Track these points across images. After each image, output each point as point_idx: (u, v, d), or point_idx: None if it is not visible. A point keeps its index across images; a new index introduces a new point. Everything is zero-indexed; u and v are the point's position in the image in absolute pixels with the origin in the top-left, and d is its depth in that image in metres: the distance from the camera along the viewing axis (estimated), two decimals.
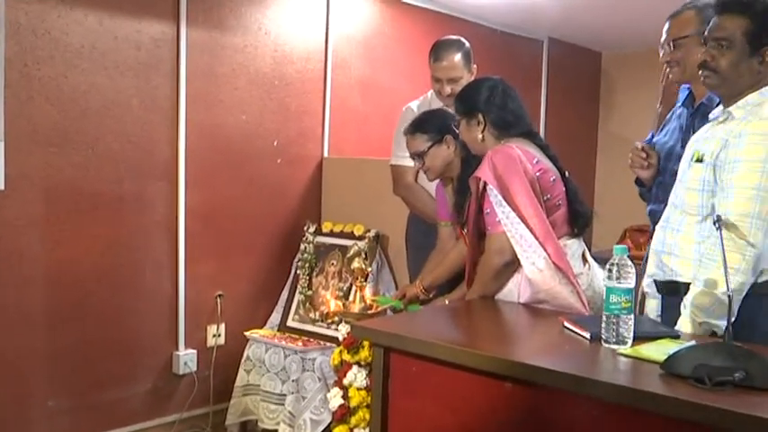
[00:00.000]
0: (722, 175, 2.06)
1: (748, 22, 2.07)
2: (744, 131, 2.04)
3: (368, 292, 3.00)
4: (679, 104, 2.79)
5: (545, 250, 2.34)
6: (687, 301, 2.07)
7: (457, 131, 2.73)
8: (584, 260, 2.56)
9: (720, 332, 2.01)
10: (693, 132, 2.63)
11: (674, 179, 2.67)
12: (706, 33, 2.17)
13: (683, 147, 2.67)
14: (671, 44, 2.62)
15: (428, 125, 2.89)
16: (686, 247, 2.14)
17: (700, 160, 2.12)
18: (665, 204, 2.68)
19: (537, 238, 2.35)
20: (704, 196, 2.09)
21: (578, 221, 2.58)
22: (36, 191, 3.11)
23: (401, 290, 3.01)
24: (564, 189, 2.55)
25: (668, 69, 2.67)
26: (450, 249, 2.92)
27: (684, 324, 2.07)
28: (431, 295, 2.90)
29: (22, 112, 3.04)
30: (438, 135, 2.85)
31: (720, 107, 2.19)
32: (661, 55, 2.68)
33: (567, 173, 2.60)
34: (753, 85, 2.10)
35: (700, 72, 2.18)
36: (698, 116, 2.65)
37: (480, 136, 2.59)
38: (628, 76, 5.68)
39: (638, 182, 2.80)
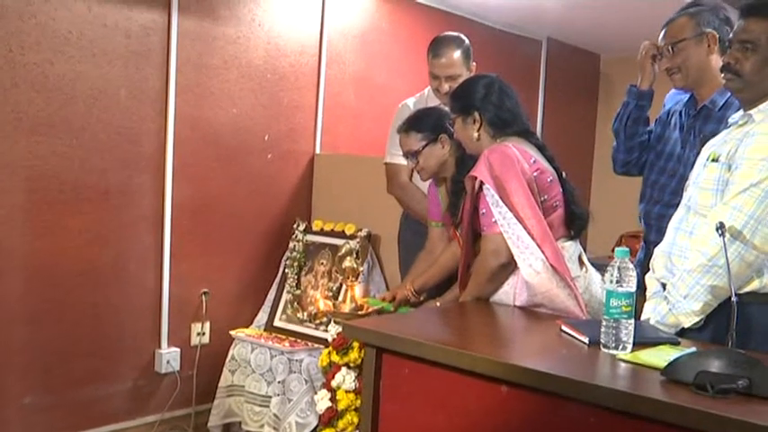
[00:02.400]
0: (732, 172, 2.02)
1: None
2: (756, 131, 2.01)
3: (358, 291, 2.92)
4: (680, 106, 2.77)
5: (542, 252, 2.28)
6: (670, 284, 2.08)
7: (452, 130, 2.67)
8: (581, 263, 2.50)
9: (687, 324, 2.03)
10: (695, 135, 2.60)
11: (671, 180, 2.65)
12: (731, 36, 2.13)
13: (683, 147, 2.65)
14: (670, 49, 2.62)
15: (423, 123, 2.83)
16: None
17: (716, 160, 2.08)
18: (660, 205, 2.65)
19: (534, 240, 2.29)
20: (718, 196, 2.05)
21: (575, 223, 2.52)
22: (18, 180, 3.02)
23: (391, 291, 2.94)
24: (561, 190, 2.50)
25: (669, 77, 2.66)
26: (443, 250, 2.86)
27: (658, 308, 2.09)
28: (422, 298, 2.83)
29: (7, 99, 2.96)
30: (433, 134, 2.79)
31: (740, 111, 2.15)
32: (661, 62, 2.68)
33: (564, 173, 2.55)
34: None
35: (722, 75, 2.14)
36: (700, 119, 2.64)
37: (476, 134, 2.53)
38: (626, 79, 5.59)
39: (631, 94, 2.84)
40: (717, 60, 2.60)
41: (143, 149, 3.39)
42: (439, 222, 2.94)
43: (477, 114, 2.52)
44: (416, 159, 2.82)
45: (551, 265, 2.28)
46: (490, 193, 2.34)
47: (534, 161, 2.42)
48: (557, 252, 2.32)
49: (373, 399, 2.01)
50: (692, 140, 2.65)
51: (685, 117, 2.72)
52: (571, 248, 2.47)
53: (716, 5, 2.88)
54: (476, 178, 2.40)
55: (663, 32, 2.68)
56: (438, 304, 2.70)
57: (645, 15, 2.77)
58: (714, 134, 2.51)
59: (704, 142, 2.51)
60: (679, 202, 2.53)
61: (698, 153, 2.52)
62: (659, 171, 2.76)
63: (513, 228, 2.30)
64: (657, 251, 2.24)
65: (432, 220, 2.98)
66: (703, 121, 2.63)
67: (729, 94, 2.57)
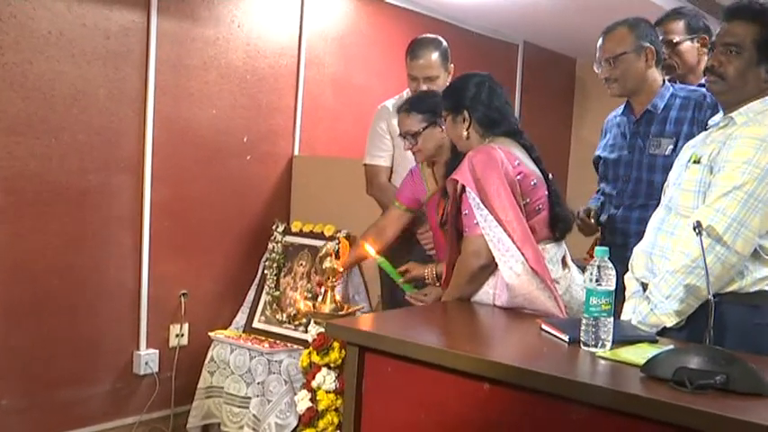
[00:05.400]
0: (714, 175, 2.05)
1: (759, 30, 2.06)
2: (739, 134, 2.04)
3: (338, 293, 2.93)
4: (617, 115, 2.84)
5: (523, 255, 2.30)
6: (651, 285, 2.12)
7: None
8: (564, 264, 2.52)
9: (669, 324, 2.06)
10: (642, 138, 2.66)
11: (627, 184, 2.73)
12: (714, 38, 2.17)
13: (631, 152, 2.72)
14: (610, 61, 2.68)
15: (425, 105, 2.84)
16: None
17: (697, 162, 2.12)
18: (622, 209, 2.71)
19: (515, 243, 2.30)
20: (699, 198, 2.08)
21: (558, 226, 2.53)
22: None
23: (406, 266, 2.88)
24: (546, 193, 2.51)
25: (606, 85, 2.73)
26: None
27: (639, 308, 2.12)
28: (437, 284, 2.78)
29: None
30: (433, 117, 2.80)
31: (720, 114, 2.19)
32: (598, 72, 2.75)
33: (550, 175, 2.56)
34: (756, 94, 2.09)
35: (705, 77, 2.18)
36: (643, 123, 2.73)
37: (465, 133, 2.54)
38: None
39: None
40: (654, 72, 2.71)
41: (122, 150, 3.37)
42: (403, 205, 2.94)
43: (466, 113, 2.53)
44: (415, 141, 2.82)
45: (531, 268, 2.30)
46: (471, 196, 2.36)
47: (518, 164, 2.43)
48: (537, 255, 2.33)
49: (356, 397, 2.02)
50: (639, 144, 2.73)
51: (626, 124, 2.80)
52: (552, 250, 2.48)
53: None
54: (457, 181, 2.42)
55: (601, 41, 2.73)
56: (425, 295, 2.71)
57: (619, 19, 2.81)
58: (661, 133, 2.64)
59: (654, 142, 2.62)
60: (639, 204, 2.61)
61: (649, 154, 2.63)
62: (613, 179, 2.83)
63: (493, 230, 2.31)
64: (637, 251, 2.27)
65: (397, 201, 2.97)
66: (647, 124, 2.72)
67: (667, 98, 2.69)
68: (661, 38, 2.80)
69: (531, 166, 2.49)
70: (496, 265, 2.34)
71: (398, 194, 3.00)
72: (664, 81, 2.75)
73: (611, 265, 1.84)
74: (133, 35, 3.36)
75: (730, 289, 2.02)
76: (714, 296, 1.95)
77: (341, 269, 2.80)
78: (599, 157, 2.92)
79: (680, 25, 2.95)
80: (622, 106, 2.84)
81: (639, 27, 2.69)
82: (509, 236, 2.30)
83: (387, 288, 3.31)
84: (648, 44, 2.67)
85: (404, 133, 2.86)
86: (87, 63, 3.21)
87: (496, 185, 2.34)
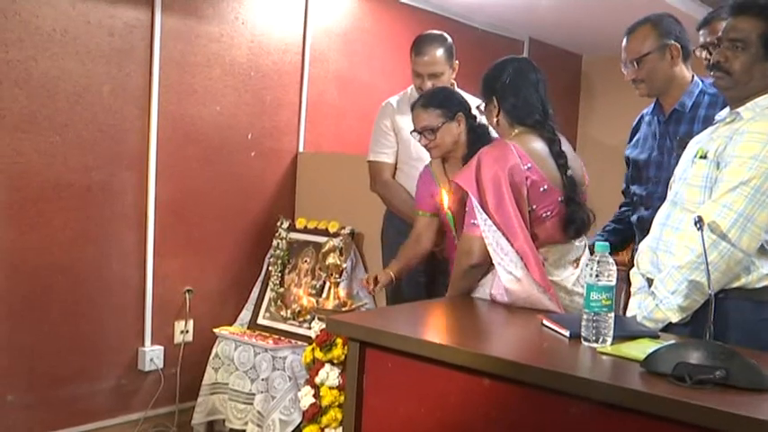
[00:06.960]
0: (721, 170, 2.04)
1: (765, 25, 2.04)
2: (746, 129, 2.03)
3: (341, 289, 2.92)
4: (647, 113, 2.80)
5: (523, 261, 2.27)
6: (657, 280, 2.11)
7: (466, 108, 2.73)
8: (577, 265, 2.48)
9: (675, 319, 2.05)
10: (670, 139, 2.63)
11: (656, 186, 2.68)
12: (720, 34, 2.14)
13: (660, 153, 2.68)
14: (634, 63, 2.63)
15: (443, 100, 2.82)
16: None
17: (704, 157, 2.10)
18: (651, 210, 2.68)
19: (515, 248, 2.28)
20: (706, 193, 2.06)
21: (570, 228, 2.45)
22: (0, 177, 3.01)
23: (372, 274, 2.88)
24: (559, 198, 2.43)
25: (634, 86, 2.68)
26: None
27: (644, 303, 2.11)
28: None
29: None
30: (450, 112, 2.79)
31: (727, 109, 2.17)
32: (625, 73, 2.69)
33: (568, 171, 2.47)
34: (763, 89, 2.07)
35: (711, 73, 2.16)
36: (671, 123, 2.67)
37: (495, 120, 2.52)
38: (607, 79, 5.69)
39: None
40: (681, 69, 2.65)
41: (126, 147, 3.38)
42: (426, 212, 2.87)
43: (495, 101, 2.51)
44: (434, 136, 2.78)
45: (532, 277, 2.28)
46: (473, 198, 2.35)
47: (530, 167, 2.37)
48: (538, 262, 2.30)
49: (357, 392, 2.02)
50: (668, 144, 2.67)
51: (656, 123, 2.74)
52: (558, 253, 2.45)
53: None
54: (459, 186, 2.40)
55: (624, 41, 2.67)
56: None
57: (626, 16, 2.78)
58: (689, 134, 2.54)
59: (681, 144, 2.55)
60: None
61: (677, 155, 2.56)
62: (644, 181, 2.77)
63: (493, 234, 2.29)
64: (642, 246, 2.25)
65: (419, 210, 2.92)
66: (675, 123, 2.66)
67: (696, 95, 2.63)
68: (708, 39, 2.68)
69: (547, 166, 2.41)
70: (491, 264, 2.33)
71: (419, 203, 2.93)
72: (693, 77, 2.68)
73: (611, 260, 1.83)
74: (137, 32, 3.36)
75: (736, 285, 2.00)
76: (720, 292, 1.95)
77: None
78: (629, 158, 2.87)
79: None
80: (652, 104, 2.77)
81: (662, 24, 2.62)
82: (508, 241, 2.28)
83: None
84: (673, 41, 2.60)
85: (421, 129, 2.80)
86: (91, 60, 3.22)
87: (499, 188, 2.30)
